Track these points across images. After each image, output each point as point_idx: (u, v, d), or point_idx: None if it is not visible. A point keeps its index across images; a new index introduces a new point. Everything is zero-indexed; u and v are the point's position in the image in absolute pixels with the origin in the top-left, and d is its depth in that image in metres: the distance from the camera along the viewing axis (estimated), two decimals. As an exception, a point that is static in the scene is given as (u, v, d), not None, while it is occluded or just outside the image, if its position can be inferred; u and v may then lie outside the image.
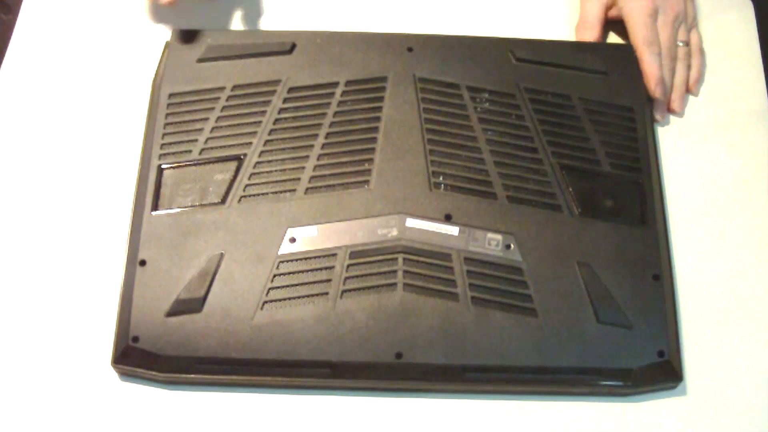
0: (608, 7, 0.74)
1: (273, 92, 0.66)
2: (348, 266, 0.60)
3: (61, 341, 0.60)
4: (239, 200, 0.62)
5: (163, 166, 0.63)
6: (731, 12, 0.77)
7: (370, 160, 0.64)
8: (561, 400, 0.59)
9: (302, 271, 0.60)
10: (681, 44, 0.72)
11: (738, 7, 0.77)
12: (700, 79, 0.73)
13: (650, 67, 0.69)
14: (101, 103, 0.69)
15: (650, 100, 0.69)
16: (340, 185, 0.63)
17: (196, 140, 0.64)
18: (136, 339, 0.58)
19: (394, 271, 0.60)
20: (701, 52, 0.74)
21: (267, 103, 0.66)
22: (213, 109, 0.65)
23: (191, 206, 0.62)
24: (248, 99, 0.66)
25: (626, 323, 0.59)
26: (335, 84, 0.67)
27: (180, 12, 0.74)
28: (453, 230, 0.61)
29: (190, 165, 0.63)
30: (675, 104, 0.71)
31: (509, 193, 0.63)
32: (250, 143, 0.64)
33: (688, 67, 0.73)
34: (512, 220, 0.62)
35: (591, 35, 0.73)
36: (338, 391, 0.59)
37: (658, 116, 0.70)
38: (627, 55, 0.70)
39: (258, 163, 0.63)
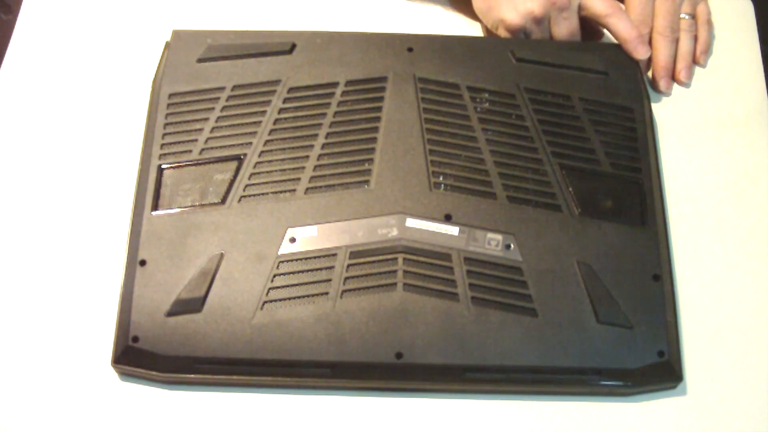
0: None
1: (273, 92, 0.66)
2: (348, 266, 0.60)
3: (61, 341, 0.60)
4: (239, 200, 0.62)
5: (163, 166, 0.63)
6: (731, 12, 0.77)
7: (370, 160, 0.64)
8: (561, 400, 0.59)
9: (302, 271, 0.60)
10: (686, 17, 0.72)
11: (738, 7, 0.77)
12: (708, 50, 0.73)
13: (623, 31, 0.69)
14: (101, 103, 0.69)
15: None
16: (340, 185, 0.63)
17: (196, 140, 0.64)
18: (136, 339, 0.58)
19: (394, 271, 0.60)
20: (709, 23, 0.73)
21: (267, 103, 0.66)
22: (213, 109, 0.65)
23: (191, 206, 0.62)
24: (248, 99, 0.66)
25: (626, 323, 0.59)
26: (335, 84, 0.67)
27: (180, 12, 0.74)
28: (453, 230, 0.61)
29: (190, 165, 0.63)
30: (681, 75, 0.71)
31: (509, 193, 0.63)
32: (250, 143, 0.64)
33: (694, 38, 0.72)
34: (512, 220, 0.62)
35: None
36: (338, 391, 0.59)
37: (662, 87, 0.70)
38: (627, 55, 0.70)
39: (258, 163, 0.63)
